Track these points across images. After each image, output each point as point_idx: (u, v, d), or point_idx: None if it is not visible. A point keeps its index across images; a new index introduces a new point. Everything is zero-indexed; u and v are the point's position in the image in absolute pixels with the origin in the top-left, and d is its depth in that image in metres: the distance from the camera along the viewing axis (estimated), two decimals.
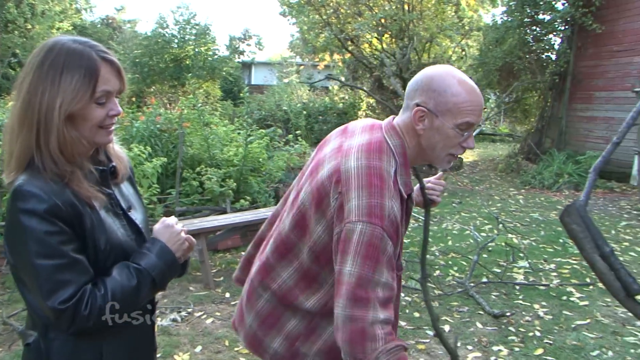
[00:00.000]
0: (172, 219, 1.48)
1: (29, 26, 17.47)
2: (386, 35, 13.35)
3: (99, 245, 1.30)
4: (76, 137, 1.28)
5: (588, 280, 4.86)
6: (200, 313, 4.18)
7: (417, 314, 4.15)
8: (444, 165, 1.54)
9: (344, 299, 1.32)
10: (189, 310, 4.22)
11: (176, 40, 14.89)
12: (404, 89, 9.50)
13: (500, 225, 6.04)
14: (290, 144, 8.19)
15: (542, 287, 4.75)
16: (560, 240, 6.18)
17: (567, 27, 11.71)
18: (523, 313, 4.22)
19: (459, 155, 1.53)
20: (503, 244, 5.13)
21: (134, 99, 12.72)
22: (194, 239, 1.52)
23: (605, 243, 1.35)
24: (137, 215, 1.47)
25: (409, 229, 6.59)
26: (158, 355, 3.43)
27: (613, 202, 8.66)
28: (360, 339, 1.29)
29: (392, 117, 1.57)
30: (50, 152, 1.25)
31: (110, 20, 23.85)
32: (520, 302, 4.44)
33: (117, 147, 1.50)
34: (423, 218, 2.24)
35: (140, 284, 1.33)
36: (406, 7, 12.63)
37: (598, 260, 1.35)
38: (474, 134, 1.52)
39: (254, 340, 1.65)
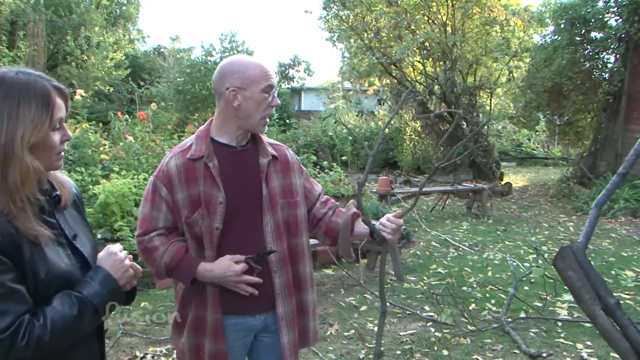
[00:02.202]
0: (116, 247, 1.48)
1: (85, 57, 18.20)
2: (430, 59, 13.11)
3: (39, 275, 1.29)
4: (37, 166, 1.30)
5: None
6: None
7: (445, 352, 3.86)
8: (261, 129, 1.89)
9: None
10: None
11: None
12: (449, 113, 9.28)
13: (541, 255, 5.65)
14: (325, 171, 8.00)
15: (587, 325, 4.36)
16: (612, 272, 5.74)
17: (621, 44, 11.16)
18: (564, 353, 3.86)
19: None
20: (544, 275, 4.77)
21: (169, 126, 12.82)
22: (139, 267, 1.50)
23: (609, 293, 1.12)
24: (83, 243, 1.47)
25: (446, 261, 6.29)
26: None
27: None
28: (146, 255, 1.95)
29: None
30: (8, 186, 1.25)
31: (162, 49, 24.62)
32: (562, 340, 4.08)
33: (58, 173, 1.48)
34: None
35: (82, 313, 1.32)
36: (449, 29, 12.38)
37: (601, 314, 1.12)
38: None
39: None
